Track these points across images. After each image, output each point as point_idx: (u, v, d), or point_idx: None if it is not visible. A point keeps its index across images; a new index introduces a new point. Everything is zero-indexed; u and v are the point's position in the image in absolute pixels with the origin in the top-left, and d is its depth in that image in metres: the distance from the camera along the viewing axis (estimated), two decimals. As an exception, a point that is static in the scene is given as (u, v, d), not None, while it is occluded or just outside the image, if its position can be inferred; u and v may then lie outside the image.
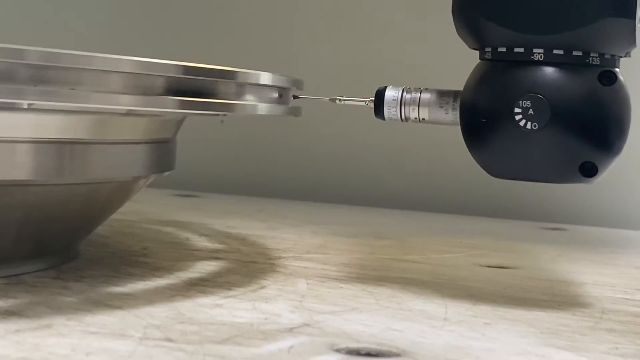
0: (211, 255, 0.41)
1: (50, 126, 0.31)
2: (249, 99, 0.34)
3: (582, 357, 0.27)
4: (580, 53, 0.32)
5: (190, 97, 0.31)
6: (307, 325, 0.29)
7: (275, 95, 0.36)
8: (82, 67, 0.28)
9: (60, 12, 0.73)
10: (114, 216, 0.39)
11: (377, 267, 0.40)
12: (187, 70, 0.30)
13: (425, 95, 0.35)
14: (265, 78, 0.34)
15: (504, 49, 0.32)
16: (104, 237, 0.43)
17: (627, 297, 0.37)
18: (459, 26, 0.33)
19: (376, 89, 0.36)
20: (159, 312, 0.29)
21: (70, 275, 0.34)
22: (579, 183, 0.32)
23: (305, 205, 0.63)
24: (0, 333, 0.26)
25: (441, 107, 0.34)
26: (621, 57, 0.33)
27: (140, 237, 0.45)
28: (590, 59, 0.32)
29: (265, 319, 0.30)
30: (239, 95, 0.33)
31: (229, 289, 0.33)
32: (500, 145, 0.32)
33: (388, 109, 0.35)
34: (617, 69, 0.32)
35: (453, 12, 0.33)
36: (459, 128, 0.34)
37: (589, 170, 0.32)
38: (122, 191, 0.36)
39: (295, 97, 0.37)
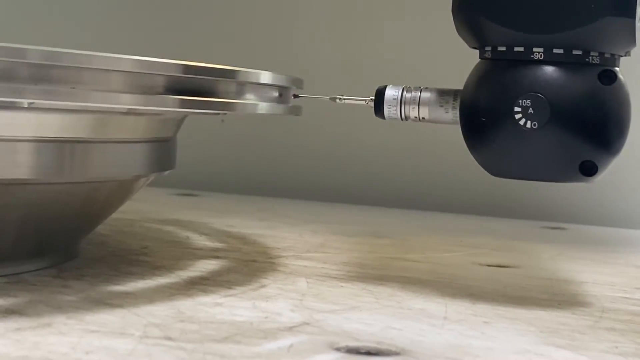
0: (211, 254, 0.41)
1: (51, 125, 0.31)
2: (250, 98, 0.34)
3: (582, 356, 0.27)
4: (580, 52, 0.32)
5: (191, 96, 0.31)
6: (307, 324, 0.29)
7: (276, 94, 0.36)
8: (82, 66, 0.28)
9: (60, 11, 0.73)
10: (114, 215, 0.39)
11: (377, 266, 0.40)
12: (188, 69, 0.30)
13: (425, 95, 0.35)
14: (265, 77, 0.34)
15: (503, 48, 0.32)
16: (105, 236, 0.43)
17: (627, 296, 0.37)
18: (459, 25, 0.33)
19: (376, 88, 0.36)
20: (159, 311, 0.29)
21: (71, 274, 0.34)
22: (579, 182, 0.32)
23: (305, 204, 0.63)
24: (1, 331, 0.26)
25: (441, 106, 0.34)
26: (621, 56, 0.33)
27: (141, 236, 0.45)
28: (590, 58, 0.32)
29: (265, 317, 0.30)
30: (239, 94, 0.33)
31: (229, 288, 0.34)
32: (500, 144, 0.32)
33: (388, 108, 0.35)
34: (617, 68, 0.32)
35: (453, 11, 0.33)
36: (459, 127, 0.34)
37: (589, 169, 0.32)
38: (122, 190, 0.36)
39: (295, 96, 0.37)
